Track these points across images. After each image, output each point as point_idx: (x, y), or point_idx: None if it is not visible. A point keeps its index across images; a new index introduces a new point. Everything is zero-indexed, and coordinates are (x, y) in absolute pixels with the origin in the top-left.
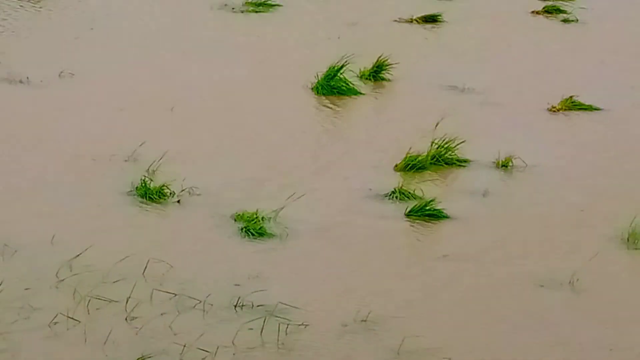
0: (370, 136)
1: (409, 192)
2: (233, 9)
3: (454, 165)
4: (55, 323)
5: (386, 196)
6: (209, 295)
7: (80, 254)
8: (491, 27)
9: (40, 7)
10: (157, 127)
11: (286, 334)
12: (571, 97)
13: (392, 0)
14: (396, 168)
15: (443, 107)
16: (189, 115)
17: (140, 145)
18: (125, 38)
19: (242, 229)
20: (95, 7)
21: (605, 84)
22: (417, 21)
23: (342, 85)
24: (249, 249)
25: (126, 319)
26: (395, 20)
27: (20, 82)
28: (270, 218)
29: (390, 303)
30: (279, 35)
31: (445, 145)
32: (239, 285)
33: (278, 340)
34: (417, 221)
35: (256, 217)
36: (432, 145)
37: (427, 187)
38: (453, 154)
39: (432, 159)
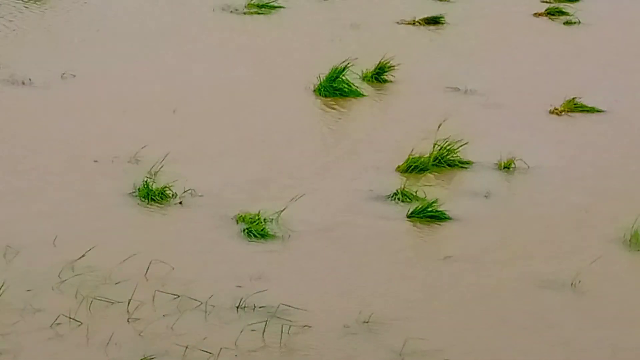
0: (373, 138)
1: (411, 194)
2: (235, 10)
3: (456, 166)
4: (57, 324)
5: (388, 197)
6: (211, 296)
7: (83, 255)
8: (493, 29)
9: (46, 9)
10: (160, 128)
11: (288, 335)
12: (573, 98)
13: (394, 2)
14: (398, 169)
15: (445, 109)
16: (191, 116)
17: (143, 146)
18: (128, 39)
19: (244, 230)
20: (98, 9)
21: (607, 85)
22: (419, 23)
23: (345, 87)
24: (251, 250)
25: (128, 320)
26: (398, 22)
27: (23, 83)
28: (272, 219)
29: (392, 304)
30: (281, 36)
31: (448, 147)
32: (241, 286)
33: (280, 341)
34: (419, 222)
35: (258, 218)
36: (434, 146)
37: (429, 188)
38: (455, 155)
39: (434, 161)
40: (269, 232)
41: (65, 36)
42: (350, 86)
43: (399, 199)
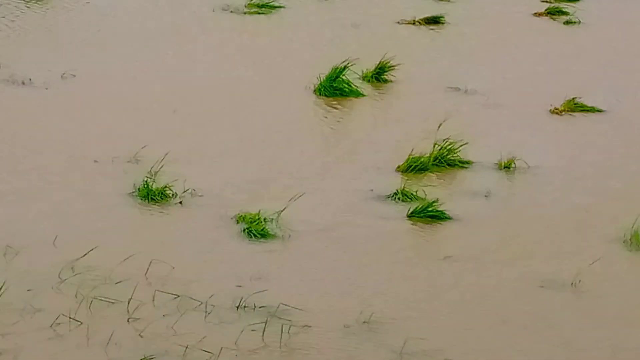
0: (373, 137)
1: (412, 193)
2: (235, 10)
3: (456, 166)
4: (58, 324)
5: (389, 197)
6: (211, 296)
7: (84, 255)
8: (494, 29)
9: (47, 9)
10: (160, 128)
11: (289, 335)
12: (574, 98)
13: (394, 2)
14: (398, 169)
15: (445, 109)
16: (191, 116)
17: (143, 146)
18: (128, 39)
19: (244, 230)
20: (98, 9)
21: (607, 85)
22: (419, 23)
23: (345, 87)
24: (251, 250)
25: (128, 320)
26: (398, 22)
27: (23, 83)
28: (272, 219)
29: (392, 304)
30: (281, 36)
31: (448, 147)
32: (241, 286)
33: (280, 341)
34: (420, 222)
35: (258, 218)
36: (434, 146)
37: (430, 188)
38: (455, 155)
39: (434, 160)
40: (269, 232)
41: (66, 36)
42: (350, 86)
43: (399, 198)
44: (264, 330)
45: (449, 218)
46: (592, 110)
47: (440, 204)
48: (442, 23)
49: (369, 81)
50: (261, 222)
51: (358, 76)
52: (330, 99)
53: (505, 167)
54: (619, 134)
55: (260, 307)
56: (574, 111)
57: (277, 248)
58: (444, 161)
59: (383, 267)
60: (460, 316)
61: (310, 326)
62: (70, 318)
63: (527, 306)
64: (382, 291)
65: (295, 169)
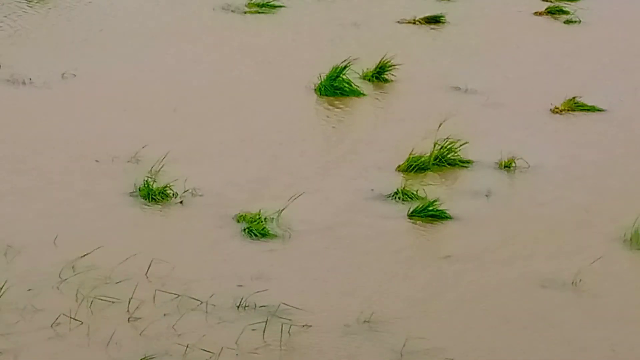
0: (373, 137)
1: (412, 193)
2: (236, 9)
3: (456, 166)
4: (58, 324)
5: (389, 197)
6: (211, 295)
7: (85, 255)
8: (494, 28)
9: (49, 8)
10: (160, 127)
11: (289, 334)
12: (574, 97)
13: (394, 1)
14: (399, 169)
15: (446, 108)
16: (191, 116)
17: (143, 146)
18: (128, 39)
19: (244, 229)
20: (99, 9)
21: (608, 84)
22: (419, 22)
23: (345, 86)
24: (251, 249)
25: (129, 320)
26: (398, 22)
27: (23, 83)
28: (272, 218)
29: (393, 304)
30: (281, 36)
31: (448, 146)
32: (241, 286)
33: (281, 341)
34: (420, 222)
35: (259, 218)
36: (434, 146)
37: (430, 187)
38: (456, 154)
39: (434, 160)
40: (269, 232)
41: (66, 36)
42: (350, 85)
43: (399, 198)
44: (264, 330)
45: (450, 217)
46: (592, 109)
47: (440, 204)
48: (443, 22)
49: (369, 80)
50: (262, 221)
51: (358, 76)
52: (331, 98)
53: (505, 167)
54: (620, 133)
55: (260, 307)
56: (574, 110)
57: (277, 247)
58: (445, 161)
59: (383, 267)
60: (461, 315)
61: (310, 326)
62: (70, 318)
63: (527, 305)
64: (382, 291)
65: (296, 169)
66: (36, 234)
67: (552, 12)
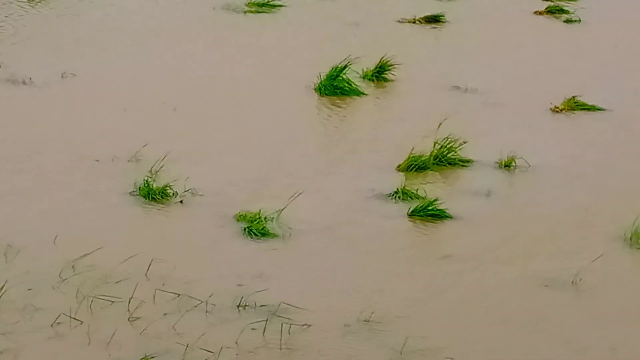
0: (373, 136)
1: (412, 192)
2: (236, 9)
3: (456, 165)
4: (58, 323)
5: (389, 196)
6: (211, 295)
7: (86, 255)
8: (494, 28)
9: (51, 8)
10: (160, 127)
11: (289, 334)
12: (574, 97)
13: (395, 1)
14: (399, 168)
15: (446, 108)
16: (191, 115)
17: (143, 145)
18: (128, 39)
19: (244, 229)
20: (99, 8)
21: (608, 84)
22: (419, 21)
23: (345, 86)
24: (251, 249)
25: (129, 319)
26: (398, 21)
27: (23, 82)
28: (272, 218)
29: (393, 303)
30: (281, 35)
31: (448, 146)
32: (241, 285)
33: (281, 340)
34: (420, 221)
35: (259, 217)
36: (434, 145)
37: (430, 187)
38: (456, 154)
39: (434, 159)
40: (269, 231)
41: (66, 36)
42: (350, 85)
43: (399, 197)
44: (264, 329)
45: (450, 217)
46: (592, 109)
47: (440, 203)
48: (443, 22)
49: (369, 80)
50: (262, 221)
51: (358, 75)
52: (331, 98)
53: (505, 166)
54: (620, 133)
55: (260, 306)
56: (574, 110)
57: (277, 247)
58: (445, 160)
59: (383, 266)
60: (461, 315)
61: (310, 325)
62: (70, 317)
63: (527, 305)
64: (382, 290)
65: (296, 168)
66: (36, 233)
67: (552, 11)
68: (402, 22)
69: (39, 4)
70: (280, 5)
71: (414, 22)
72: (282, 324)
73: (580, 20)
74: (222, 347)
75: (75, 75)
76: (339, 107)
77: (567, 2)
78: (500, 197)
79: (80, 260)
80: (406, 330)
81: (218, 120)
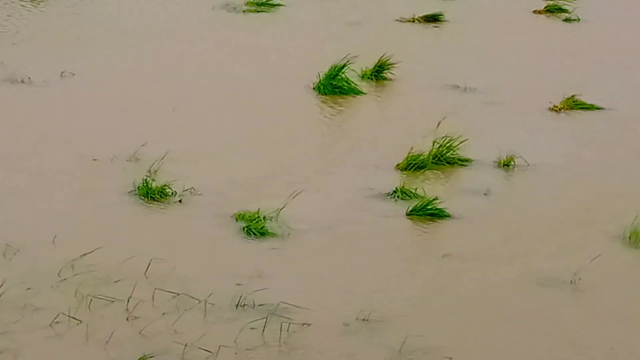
0: (372, 135)
1: (411, 191)
2: (235, 8)
3: (455, 164)
4: (57, 323)
5: (388, 195)
6: (210, 294)
7: (86, 254)
8: (493, 27)
9: (51, 8)
10: (159, 126)
11: (288, 333)
12: (573, 96)
13: (394, 0)
14: (398, 167)
15: (445, 107)
16: (190, 114)
17: (142, 145)
18: (127, 38)
19: (243, 228)
20: (99, 7)
21: (607, 83)
22: (419, 21)
23: (344, 85)
24: (250, 248)
25: (128, 319)
26: (397, 20)
27: (22, 82)
28: (272, 217)
29: (392, 302)
30: (280, 34)
31: (447, 145)
32: (240, 284)
33: (280, 339)
34: (419, 220)
35: (258, 217)
36: (433, 144)
37: (429, 186)
38: (455, 153)
39: (433, 158)
40: (268, 230)
41: (65, 35)
42: (349, 84)
43: (398, 196)
44: (263, 329)
45: (449, 216)
46: (591, 107)
47: (439, 202)
48: (442, 21)
49: (368, 79)
50: (261, 220)
51: (357, 74)
52: (330, 97)
53: (504, 165)
54: (619, 132)
55: (259, 305)
56: (573, 109)
57: (276, 246)
58: (444, 159)
59: (382, 265)
60: (460, 314)
61: (309, 324)
62: (69, 317)
63: (527, 304)
64: (381, 289)
65: (295, 167)
66: (35, 233)
67: (551, 10)
68: (401, 21)
69: (41, 3)
70: (279, 5)
71: (414, 21)
72: (281, 323)
73: (579, 19)
74: (220, 347)
75: (74, 74)
76: (338, 106)
77: (566, 1)
78: (499, 196)
79: (79, 259)
80: (405, 329)
81: (217, 119)
